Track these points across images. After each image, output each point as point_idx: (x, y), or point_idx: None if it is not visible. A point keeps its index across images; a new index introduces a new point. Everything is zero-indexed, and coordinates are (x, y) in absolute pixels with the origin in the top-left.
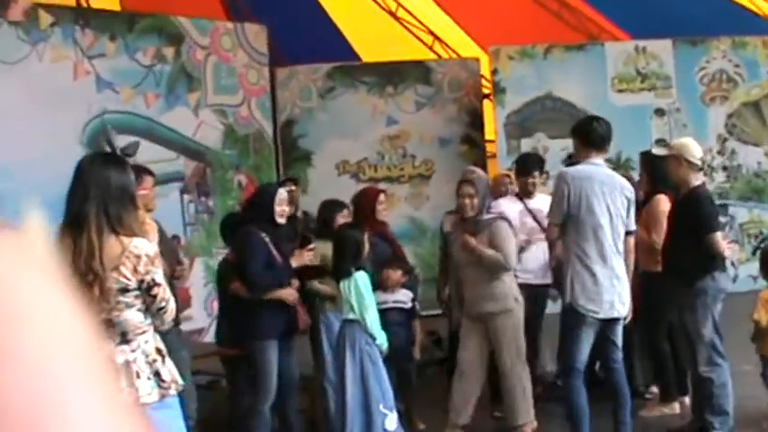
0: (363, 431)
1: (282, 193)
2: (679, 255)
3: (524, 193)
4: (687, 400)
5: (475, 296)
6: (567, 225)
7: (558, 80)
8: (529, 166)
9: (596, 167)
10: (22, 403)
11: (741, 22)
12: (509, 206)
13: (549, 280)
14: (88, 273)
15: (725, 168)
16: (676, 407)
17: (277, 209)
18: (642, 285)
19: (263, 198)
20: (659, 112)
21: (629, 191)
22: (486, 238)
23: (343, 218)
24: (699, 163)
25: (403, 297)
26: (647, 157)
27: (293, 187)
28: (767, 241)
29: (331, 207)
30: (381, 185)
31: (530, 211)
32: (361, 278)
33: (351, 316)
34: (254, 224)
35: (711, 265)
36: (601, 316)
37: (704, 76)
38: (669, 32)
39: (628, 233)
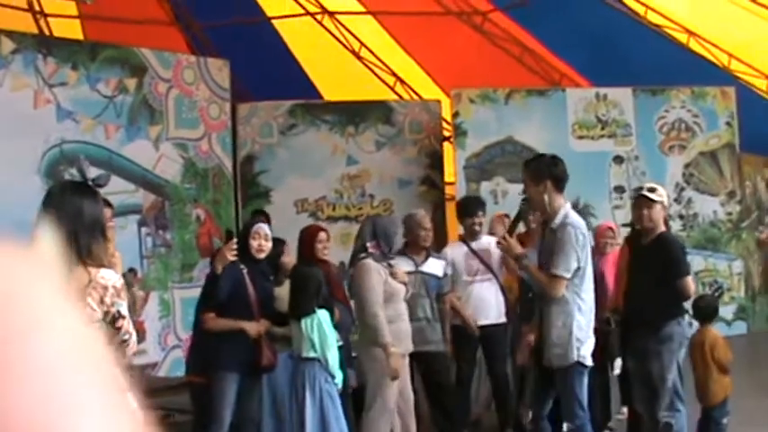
0: None
1: (260, 228)
2: (645, 301)
3: (470, 235)
4: None
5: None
6: (575, 277)
7: (519, 125)
8: (472, 207)
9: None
10: (35, 417)
11: (700, 72)
12: (454, 250)
13: (497, 320)
14: None
15: (681, 217)
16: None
17: (252, 243)
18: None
19: (241, 233)
20: (618, 160)
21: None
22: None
23: (286, 256)
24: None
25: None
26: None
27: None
28: (720, 290)
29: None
30: (340, 224)
31: (475, 253)
32: (324, 316)
33: (311, 354)
34: (239, 258)
35: (678, 311)
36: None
37: (663, 124)
38: (629, 81)
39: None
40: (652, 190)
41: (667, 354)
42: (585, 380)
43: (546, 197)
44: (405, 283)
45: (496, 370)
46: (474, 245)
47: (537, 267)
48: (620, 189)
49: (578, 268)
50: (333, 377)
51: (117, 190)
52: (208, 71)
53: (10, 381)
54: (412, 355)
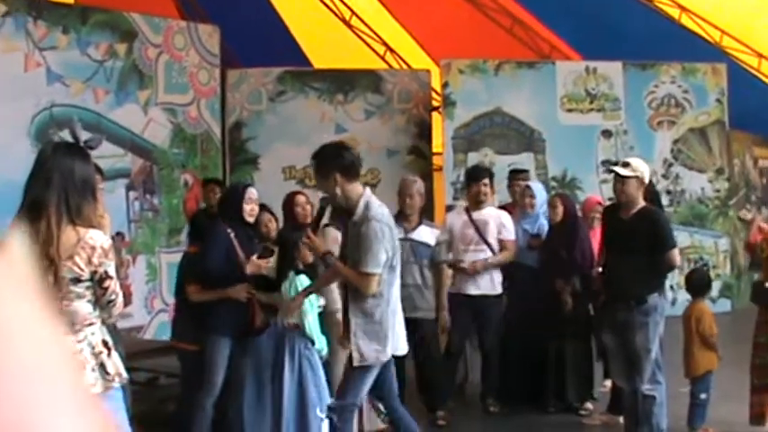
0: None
1: (252, 191)
2: (628, 274)
3: (473, 203)
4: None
5: None
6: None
7: (508, 96)
8: (478, 173)
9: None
10: (6, 419)
11: (691, 48)
12: (455, 217)
13: (489, 291)
14: (43, 259)
15: (669, 193)
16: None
17: (246, 207)
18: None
19: (233, 196)
20: (606, 134)
21: None
22: None
23: (268, 221)
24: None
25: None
26: None
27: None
28: (706, 267)
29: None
30: None
31: (473, 222)
32: (301, 281)
33: (291, 320)
34: (224, 220)
35: (661, 283)
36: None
37: (653, 100)
38: (620, 55)
39: None
40: (625, 165)
41: (652, 325)
42: (369, 376)
43: (339, 190)
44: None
45: (486, 340)
46: (475, 214)
47: (343, 264)
48: (607, 163)
49: (386, 260)
50: (312, 343)
51: (106, 154)
52: (198, 37)
53: None
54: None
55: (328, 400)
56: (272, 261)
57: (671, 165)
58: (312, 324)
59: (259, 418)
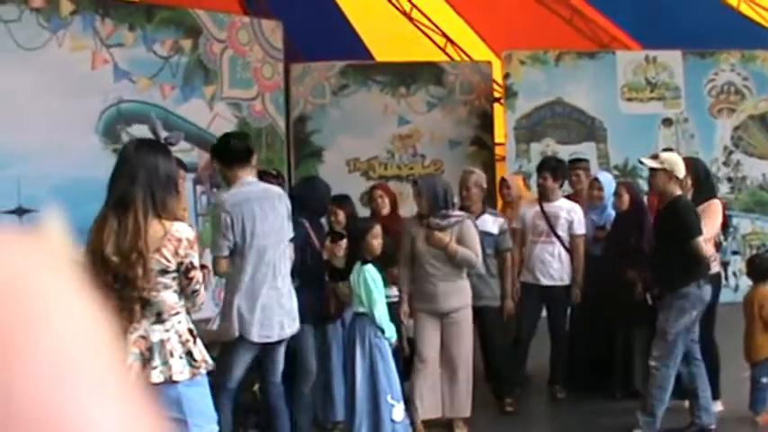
0: (371, 421)
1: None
2: (665, 262)
3: (540, 194)
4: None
5: (440, 292)
6: (233, 254)
7: (569, 86)
8: (539, 166)
9: (249, 187)
10: (42, 403)
11: (750, 36)
12: (528, 208)
13: (558, 282)
14: (132, 252)
15: (729, 180)
16: (718, 404)
17: (329, 206)
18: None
19: (318, 192)
20: (667, 122)
21: (287, 198)
22: (454, 235)
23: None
24: (682, 180)
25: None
26: (689, 162)
27: (272, 180)
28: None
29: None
30: (391, 184)
31: (544, 214)
32: (368, 271)
33: (360, 309)
34: (300, 211)
35: (697, 273)
36: (274, 339)
37: (712, 88)
38: (679, 44)
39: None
40: (654, 157)
41: (675, 309)
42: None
43: (220, 176)
44: (442, 246)
45: (555, 329)
46: (546, 206)
47: None
48: (668, 151)
49: (235, 245)
50: (382, 332)
51: (173, 149)
52: (261, 32)
53: (17, 367)
54: None
55: (398, 387)
56: (343, 247)
57: (731, 152)
58: (382, 313)
59: (329, 402)
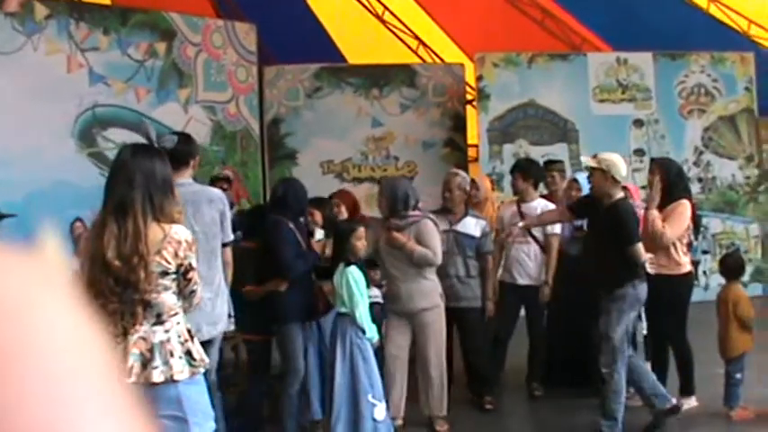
0: (350, 420)
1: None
2: (602, 264)
3: (520, 196)
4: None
5: (404, 292)
6: None
7: (541, 88)
8: (512, 168)
9: (182, 188)
10: (39, 419)
11: (720, 38)
12: (506, 209)
13: (535, 281)
14: (134, 256)
15: (700, 180)
16: (693, 400)
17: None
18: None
19: (298, 193)
20: (638, 123)
21: (222, 202)
22: (412, 235)
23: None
24: (622, 180)
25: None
26: (659, 163)
27: (225, 186)
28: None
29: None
30: (365, 185)
31: (521, 214)
32: (351, 273)
33: (342, 309)
34: (280, 214)
35: (631, 275)
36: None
37: (683, 89)
38: (649, 45)
39: (225, 245)
40: (594, 157)
41: (615, 312)
42: None
43: None
44: (399, 245)
45: (532, 328)
46: (524, 207)
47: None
48: (639, 152)
49: None
50: (363, 332)
51: None
52: (236, 35)
53: (13, 384)
54: (448, 312)
55: (380, 386)
56: (328, 249)
57: (702, 153)
58: (363, 314)
59: (305, 402)
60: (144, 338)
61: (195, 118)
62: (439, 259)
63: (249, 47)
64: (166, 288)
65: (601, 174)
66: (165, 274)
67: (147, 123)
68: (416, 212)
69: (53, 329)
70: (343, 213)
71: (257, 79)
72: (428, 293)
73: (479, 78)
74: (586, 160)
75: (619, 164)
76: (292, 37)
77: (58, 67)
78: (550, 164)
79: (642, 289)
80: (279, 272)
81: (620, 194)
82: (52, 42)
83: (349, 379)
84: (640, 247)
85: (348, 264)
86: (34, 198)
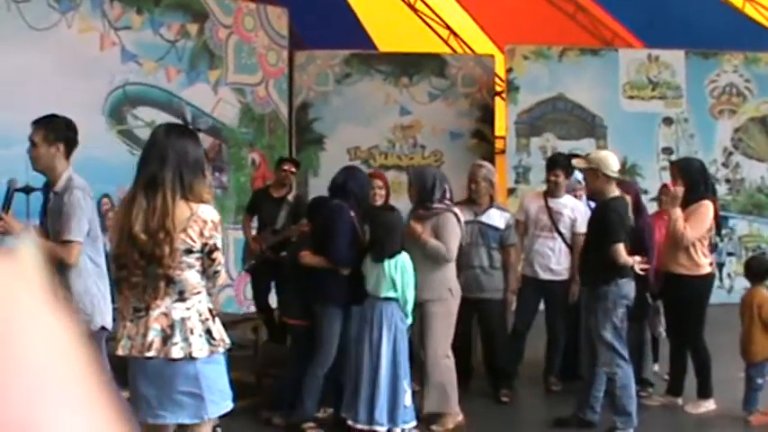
0: (389, 405)
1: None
2: (589, 261)
3: (549, 190)
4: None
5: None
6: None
7: (571, 82)
8: (551, 164)
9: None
10: (16, 414)
11: (754, 37)
12: (532, 202)
13: (557, 276)
14: (160, 231)
15: (728, 181)
16: (711, 403)
17: (371, 192)
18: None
19: (360, 180)
20: (667, 121)
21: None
22: (431, 227)
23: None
24: (615, 176)
25: None
26: (678, 166)
27: (293, 168)
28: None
29: None
30: (391, 173)
31: (548, 209)
32: (407, 258)
33: (390, 294)
34: (345, 201)
35: (613, 273)
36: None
37: (714, 88)
38: (682, 43)
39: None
40: (584, 158)
41: (601, 312)
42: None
43: (55, 159)
44: (415, 236)
45: (551, 322)
46: (551, 201)
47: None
48: (667, 150)
49: (89, 231)
50: (407, 317)
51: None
52: (267, 18)
53: None
54: (470, 303)
55: (409, 374)
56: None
57: (731, 153)
58: (410, 299)
59: (355, 383)
60: (165, 314)
61: (224, 99)
62: (451, 256)
63: (280, 30)
64: (190, 266)
65: (592, 173)
66: (189, 252)
67: (183, 105)
68: (441, 205)
69: (29, 327)
70: (383, 197)
71: (287, 63)
72: (435, 285)
73: (509, 70)
74: (577, 162)
75: (608, 160)
76: (323, 22)
77: (90, 44)
78: (574, 158)
79: (626, 287)
80: (328, 255)
81: (615, 193)
82: (86, 20)
83: (392, 364)
84: (620, 247)
85: (399, 250)
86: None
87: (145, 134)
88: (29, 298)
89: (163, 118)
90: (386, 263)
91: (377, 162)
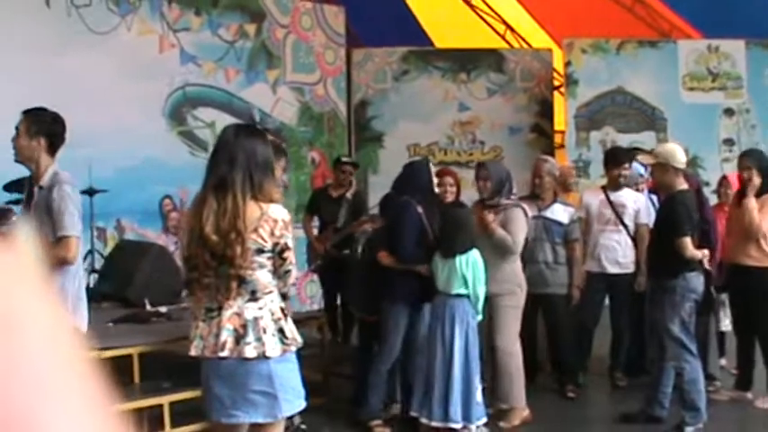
0: (464, 402)
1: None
2: (656, 254)
3: (612, 185)
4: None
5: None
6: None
7: (630, 75)
8: (620, 157)
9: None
10: (15, 408)
11: None
12: (592, 197)
13: (624, 270)
14: (231, 232)
15: None
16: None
17: (435, 180)
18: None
19: (413, 174)
20: (728, 112)
21: None
22: (499, 221)
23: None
24: (683, 167)
25: None
26: (751, 156)
27: (352, 170)
28: None
29: None
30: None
31: (610, 203)
32: (478, 255)
33: (462, 291)
34: (412, 197)
35: (683, 267)
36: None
37: None
38: (741, 33)
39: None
40: (650, 153)
41: (669, 305)
42: None
43: (37, 153)
44: (485, 224)
45: (616, 318)
46: (612, 195)
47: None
48: (729, 142)
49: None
50: (477, 313)
51: None
52: (324, 17)
53: None
54: (534, 298)
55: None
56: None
57: None
58: (481, 296)
59: (428, 381)
60: (238, 314)
61: (283, 99)
62: (517, 248)
63: (337, 29)
64: (261, 266)
65: (660, 167)
66: (260, 251)
67: (251, 106)
68: (509, 200)
69: (29, 324)
70: (453, 194)
71: (345, 62)
72: (504, 279)
73: (568, 64)
74: (643, 158)
75: (676, 153)
76: (379, 20)
77: (150, 47)
78: (637, 152)
79: (695, 281)
80: (396, 253)
81: (683, 185)
82: (145, 23)
83: (464, 360)
84: (687, 241)
85: (471, 247)
86: (125, 174)
87: (205, 135)
88: (29, 292)
89: (223, 118)
90: (457, 259)
91: (436, 158)
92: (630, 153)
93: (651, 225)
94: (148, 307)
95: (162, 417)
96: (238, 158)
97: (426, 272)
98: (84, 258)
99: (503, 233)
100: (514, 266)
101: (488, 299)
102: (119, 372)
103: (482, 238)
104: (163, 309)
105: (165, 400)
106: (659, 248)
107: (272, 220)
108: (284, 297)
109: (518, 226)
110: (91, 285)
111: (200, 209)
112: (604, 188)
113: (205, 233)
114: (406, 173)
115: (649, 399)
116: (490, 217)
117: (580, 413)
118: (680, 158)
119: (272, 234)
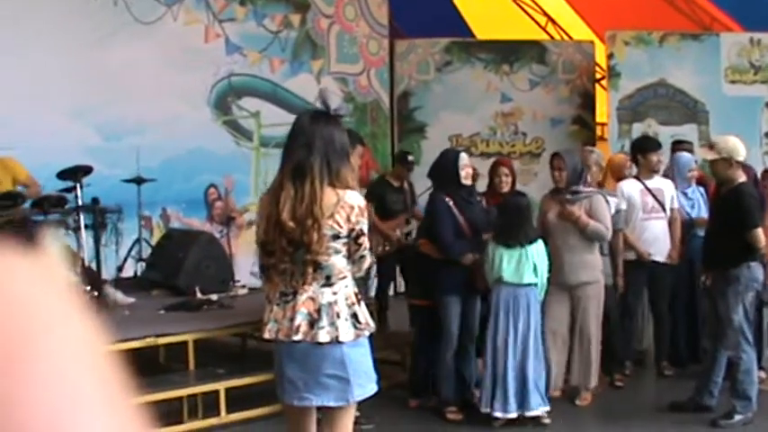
0: (537, 389)
1: (464, 156)
2: (718, 244)
3: (647, 172)
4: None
5: (568, 265)
6: None
7: (672, 68)
8: (654, 144)
9: None
10: (42, 415)
11: None
12: (630, 187)
13: (668, 258)
14: (308, 218)
15: None
16: None
17: (462, 172)
18: None
19: (439, 164)
20: None
21: None
22: (583, 209)
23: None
24: (743, 160)
25: None
26: None
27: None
28: None
29: None
30: (492, 161)
31: (649, 190)
32: (543, 244)
33: (533, 279)
34: (440, 189)
35: (747, 256)
36: None
37: None
38: None
39: None
40: (711, 147)
41: (732, 295)
42: None
43: None
44: (573, 219)
45: (659, 306)
46: (649, 183)
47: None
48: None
49: None
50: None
51: (281, 122)
52: (368, 8)
53: (19, 376)
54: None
55: None
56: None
57: None
58: (544, 284)
59: (504, 372)
60: (312, 299)
61: (327, 89)
62: (611, 234)
63: (381, 20)
64: (337, 251)
65: (724, 162)
66: (336, 237)
67: (325, 89)
68: (588, 188)
69: (57, 327)
70: (508, 185)
71: (388, 52)
72: (591, 267)
73: (610, 56)
74: (704, 153)
75: (738, 147)
76: (421, 11)
77: (195, 36)
78: (679, 144)
79: (757, 271)
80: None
81: (743, 178)
82: (191, 12)
83: (536, 348)
84: (760, 232)
85: (538, 235)
86: (171, 164)
87: (249, 124)
88: (56, 299)
89: (267, 108)
90: (528, 248)
91: (478, 149)
92: (658, 142)
93: (701, 217)
94: (199, 295)
95: (217, 403)
96: (316, 144)
97: (470, 261)
98: (132, 247)
99: (595, 224)
100: (597, 254)
101: (575, 287)
102: (172, 358)
103: (566, 228)
104: (214, 296)
105: (221, 386)
106: (721, 240)
107: (349, 206)
108: (364, 281)
109: (604, 212)
110: (138, 274)
111: (277, 195)
112: (637, 177)
113: (282, 219)
114: (435, 161)
115: (700, 388)
116: (575, 209)
117: (629, 401)
118: (742, 152)
119: (348, 220)
